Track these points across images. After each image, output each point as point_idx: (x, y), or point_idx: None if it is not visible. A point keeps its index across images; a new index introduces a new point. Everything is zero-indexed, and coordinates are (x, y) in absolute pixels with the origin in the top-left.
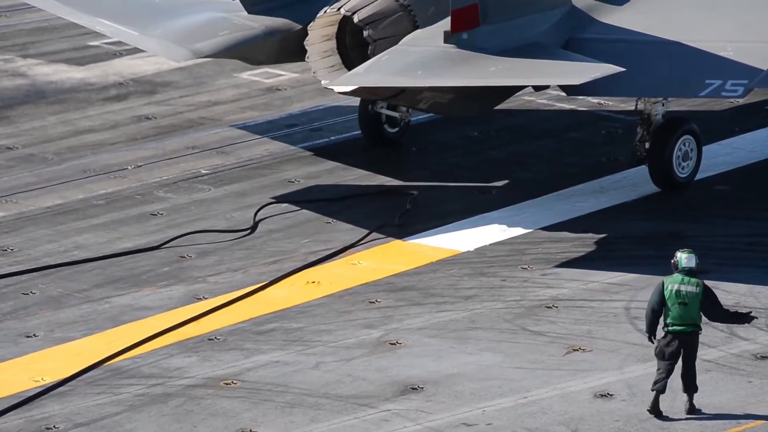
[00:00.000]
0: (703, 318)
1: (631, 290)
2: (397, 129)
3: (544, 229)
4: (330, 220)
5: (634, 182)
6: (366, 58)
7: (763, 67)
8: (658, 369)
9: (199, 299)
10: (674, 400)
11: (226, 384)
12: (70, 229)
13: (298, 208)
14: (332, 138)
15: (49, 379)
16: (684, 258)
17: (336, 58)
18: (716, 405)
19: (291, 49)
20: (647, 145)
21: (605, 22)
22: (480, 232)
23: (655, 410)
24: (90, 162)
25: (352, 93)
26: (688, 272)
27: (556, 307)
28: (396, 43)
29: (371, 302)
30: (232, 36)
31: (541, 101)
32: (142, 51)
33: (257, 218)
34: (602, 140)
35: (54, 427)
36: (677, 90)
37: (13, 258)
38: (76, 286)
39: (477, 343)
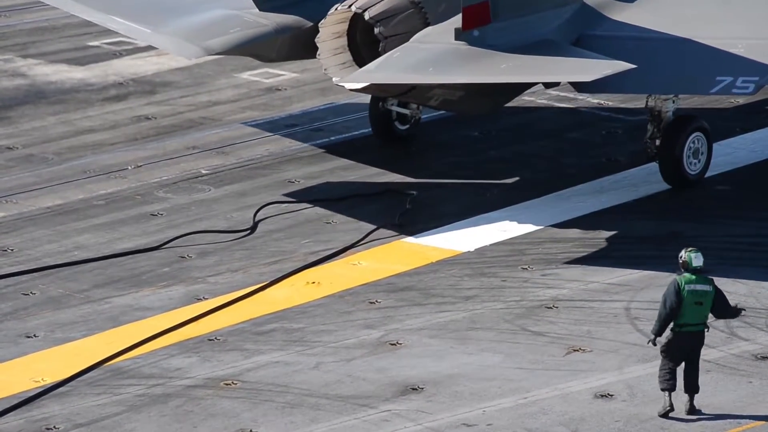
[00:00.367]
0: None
1: (631, 290)
2: (407, 126)
3: (544, 229)
4: (330, 220)
5: (634, 182)
6: (377, 55)
7: None
8: (666, 369)
9: (199, 299)
10: (674, 400)
11: (227, 384)
12: (71, 229)
13: (298, 209)
14: (333, 138)
15: (49, 380)
16: (693, 257)
17: (347, 55)
18: (716, 405)
19: (302, 47)
20: (658, 143)
21: (616, 19)
22: (480, 232)
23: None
24: (90, 162)
25: (363, 90)
26: (699, 271)
27: (556, 307)
28: (407, 40)
29: (371, 302)
30: (243, 33)
31: (541, 101)
32: (142, 51)
33: (257, 218)
34: (602, 140)
35: (54, 427)
36: (688, 87)
37: (13, 258)
38: (77, 287)
39: (477, 343)
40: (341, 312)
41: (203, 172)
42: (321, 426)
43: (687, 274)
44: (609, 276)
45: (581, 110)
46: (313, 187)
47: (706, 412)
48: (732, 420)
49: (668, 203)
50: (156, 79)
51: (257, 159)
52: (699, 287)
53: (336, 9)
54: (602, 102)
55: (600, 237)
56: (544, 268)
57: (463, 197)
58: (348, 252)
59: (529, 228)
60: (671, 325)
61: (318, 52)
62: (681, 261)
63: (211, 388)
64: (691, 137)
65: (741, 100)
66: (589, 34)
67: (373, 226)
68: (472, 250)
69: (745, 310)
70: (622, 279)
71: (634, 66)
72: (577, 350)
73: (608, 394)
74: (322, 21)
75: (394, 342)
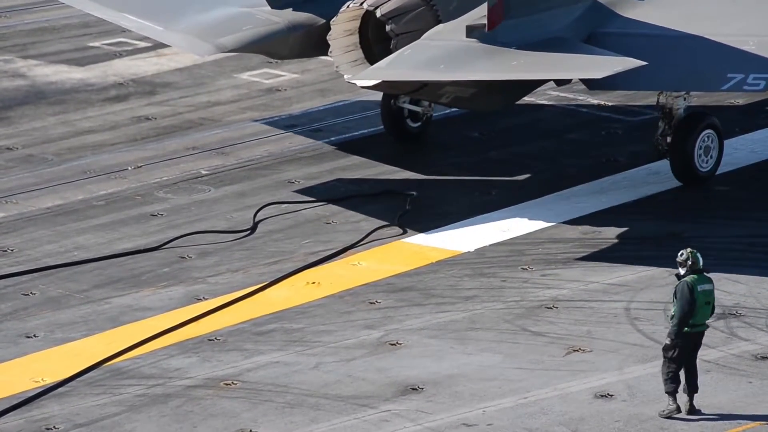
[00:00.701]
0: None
1: (631, 291)
2: (419, 123)
3: (544, 229)
4: (330, 220)
5: (634, 182)
6: (389, 52)
7: None
8: (671, 371)
9: (199, 300)
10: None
11: (226, 384)
12: (70, 229)
13: (299, 209)
14: (332, 138)
15: (49, 380)
16: (699, 257)
17: (359, 53)
18: (716, 405)
19: (314, 44)
20: (669, 140)
21: (627, 16)
22: (480, 232)
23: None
24: (90, 163)
25: (375, 87)
26: (701, 270)
27: (556, 307)
28: (418, 37)
29: (371, 303)
30: (255, 31)
31: (541, 101)
32: (142, 52)
33: (257, 219)
34: (602, 140)
35: (54, 427)
36: (699, 84)
37: (13, 258)
38: (77, 287)
39: (477, 343)
40: (341, 312)
41: (203, 172)
42: (321, 426)
43: (694, 275)
44: (609, 276)
45: (581, 110)
46: (314, 187)
47: (706, 412)
48: (732, 420)
49: (668, 203)
50: (156, 80)
51: (257, 159)
52: (707, 287)
53: (348, 6)
54: (602, 102)
55: (600, 237)
56: (544, 268)
57: (463, 198)
58: (348, 252)
59: (529, 228)
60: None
61: (329, 50)
62: (689, 262)
63: (211, 388)
64: (702, 134)
65: (741, 101)
66: (600, 32)
67: (373, 227)
68: (472, 250)
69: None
70: (622, 279)
71: (644, 63)
72: (577, 350)
73: (608, 394)
74: (334, 18)
75: (394, 342)
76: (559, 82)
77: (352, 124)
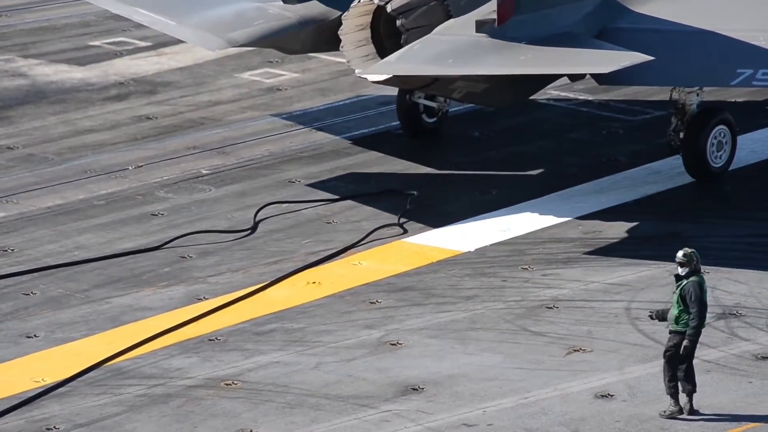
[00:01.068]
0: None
1: (632, 290)
2: (435, 119)
3: (544, 229)
4: (330, 220)
5: (634, 182)
6: (400, 47)
7: None
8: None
9: (200, 300)
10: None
11: (227, 384)
12: (71, 229)
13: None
14: (333, 138)
15: (50, 380)
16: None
17: (370, 48)
18: (716, 405)
19: (326, 39)
20: (681, 135)
21: (638, 11)
22: (480, 232)
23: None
24: (90, 162)
25: (386, 82)
26: (699, 271)
27: (557, 307)
28: (429, 32)
29: (372, 303)
30: (266, 25)
31: (541, 101)
32: (143, 51)
33: (257, 218)
34: (602, 140)
35: (54, 427)
36: (708, 79)
37: (13, 258)
38: (77, 287)
39: (477, 343)
40: (341, 312)
41: (204, 172)
42: (321, 426)
43: (696, 275)
44: (609, 276)
45: (581, 110)
46: (316, 185)
47: (706, 412)
48: (732, 420)
49: (668, 203)
50: (156, 79)
51: (257, 159)
52: (706, 287)
53: (359, 1)
54: (602, 102)
55: (600, 237)
56: (545, 268)
57: (463, 197)
58: (348, 252)
59: (529, 228)
60: (675, 326)
61: (341, 45)
62: (693, 262)
63: (212, 388)
64: (714, 130)
65: (741, 99)
66: (611, 27)
67: (374, 226)
68: (472, 250)
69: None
70: (622, 279)
71: (651, 58)
72: (578, 350)
73: (608, 394)
74: (345, 13)
75: (395, 342)
76: (573, 78)
77: (352, 123)
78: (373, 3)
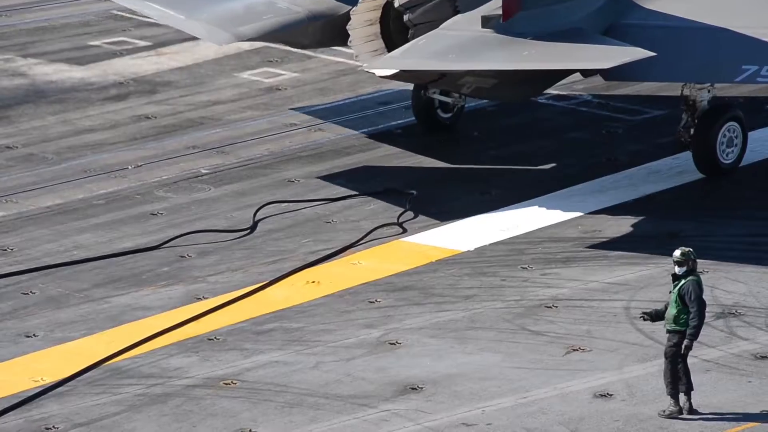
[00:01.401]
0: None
1: (631, 290)
2: (450, 114)
3: (543, 228)
4: (330, 219)
5: (634, 182)
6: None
7: None
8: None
9: (199, 299)
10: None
11: (226, 384)
12: (70, 228)
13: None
14: (333, 137)
15: (49, 379)
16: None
17: (379, 43)
18: (716, 405)
19: (335, 34)
20: (692, 131)
21: (647, 7)
22: (480, 231)
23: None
24: (90, 162)
25: (393, 77)
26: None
27: (556, 306)
28: (436, 27)
29: (371, 302)
30: (275, 20)
31: (541, 101)
32: (142, 51)
33: (257, 218)
34: (602, 140)
35: (53, 427)
36: (713, 75)
37: (13, 258)
38: (76, 286)
39: (476, 342)
40: (341, 311)
41: (203, 171)
42: (320, 426)
43: (694, 273)
44: (608, 275)
45: (581, 110)
46: (315, 186)
47: (706, 412)
48: (731, 420)
49: (668, 203)
50: (156, 79)
51: (257, 159)
52: (702, 285)
53: None
54: (602, 102)
55: (600, 237)
56: (544, 267)
57: (463, 197)
58: (348, 251)
59: (528, 227)
60: (674, 326)
61: (349, 40)
62: (690, 261)
63: (211, 388)
64: (725, 126)
65: (741, 99)
66: (620, 23)
67: (373, 226)
68: (471, 249)
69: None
70: (622, 278)
71: (653, 54)
72: (577, 350)
73: (608, 393)
74: (354, 8)
75: (394, 341)
76: (585, 73)
77: (351, 123)
78: None
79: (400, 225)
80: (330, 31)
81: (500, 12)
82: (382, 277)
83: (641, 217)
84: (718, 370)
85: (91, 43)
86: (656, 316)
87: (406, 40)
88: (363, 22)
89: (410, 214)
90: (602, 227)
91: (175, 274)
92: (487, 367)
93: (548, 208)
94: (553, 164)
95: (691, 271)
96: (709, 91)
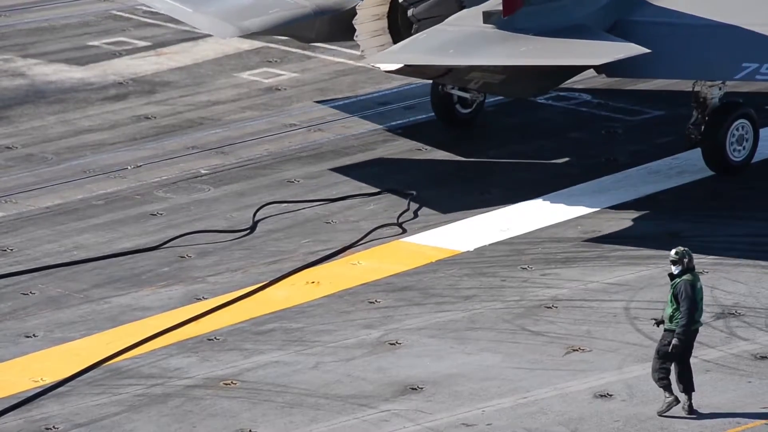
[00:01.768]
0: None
1: (631, 290)
2: (469, 110)
3: (543, 228)
4: (330, 220)
5: (634, 182)
6: None
7: None
8: (664, 368)
9: (199, 299)
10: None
11: (226, 384)
12: (70, 229)
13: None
14: (332, 138)
15: (49, 380)
16: (691, 255)
17: (386, 38)
18: (716, 405)
19: (342, 29)
20: (702, 128)
21: (655, 4)
22: (479, 232)
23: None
24: (89, 162)
25: (398, 71)
26: (693, 269)
27: (556, 307)
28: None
29: (371, 302)
30: (281, 14)
31: (541, 101)
32: (142, 51)
33: (256, 218)
34: (602, 140)
35: (53, 427)
36: (713, 73)
37: (12, 258)
38: (76, 286)
39: (476, 343)
40: (341, 312)
41: (203, 171)
42: (320, 426)
43: (689, 273)
44: (608, 276)
45: (581, 110)
46: (314, 186)
47: (706, 412)
48: (732, 420)
49: (668, 203)
50: (155, 79)
51: (257, 159)
52: (700, 284)
53: None
54: (602, 102)
55: (600, 237)
56: (544, 267)
57: (462, 197)
58: (347, 252)
59: (528, 227)
60: (669, 325)
61: (355, 34)
62: (685, 260)
63: (211, 388)
64: (735, 124)
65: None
66: (625, 20)
67: (373, 226)
68: (471, 249)
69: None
70: (622, 279)
71: (647, 50)
72: (577, 350)
73: (607, 393)
74: (361, 2)
75: (394, 342)
76: (598, 70)
77: (351, 123)
78: None
79: (399, 225)
80: (337, 25)
81: (501, 7)
82: (382, 278)
83: (641, 217)
84: (718, 370)
85: (91, 43)
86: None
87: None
88: (370, 16)
89: (410, 214)
90: (602, 227)
91: (175, 274)
92: (487, 367)
93: (548, 208)
94: (553, 164)
95: (688, 270)
96: (720, 89)
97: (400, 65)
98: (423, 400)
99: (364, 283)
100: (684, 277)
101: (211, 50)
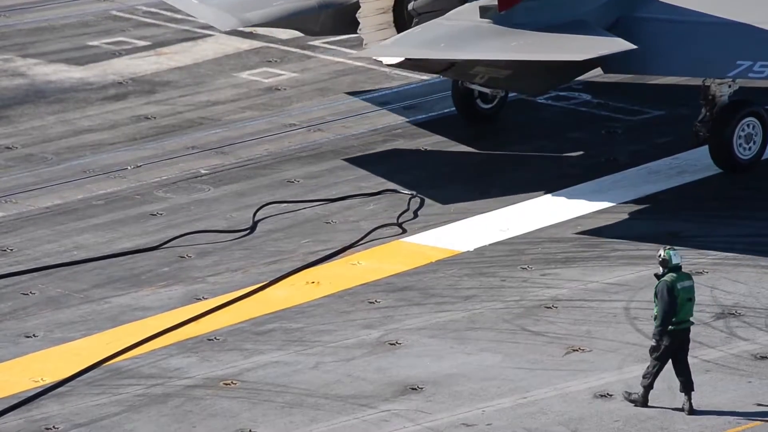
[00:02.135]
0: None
1: (631, 290)
2: (490, 105)
3: (543, 228)
4: (329, 220)
5: (634, 182)
6: None
7: None
8: (656, 369)
9: (199, 299)
10: (674, 400)
11: (226, 384)
12: (70, 229)
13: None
14: (332, 137)
15: (49, 380)
16: (672, 255)
17: (391, 32)
18: (716, 405)
19: (347, 22)
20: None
21: (659, 0)
22: (479, 232)
23: (646, 403)
24: (89, 162)
25: (400, 65)
26: (680, 268)
27: (556, 307)
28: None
29: (371, 302)
30: (285, 6)
31: (541, 101)
32: (142, 51)
33: (256, 218)
34: (602, 140)
35: (53, 427)
36: (707, 70)
37: (12, 258)
38: (76, 286)
39: (476, 343)
40: (341, 312)
41: (202, 171)
42: (320, 426)
43: (672, 273)
44: (608, 276)
45: (581, 110)
46: (314, 186)
47: (706, 412)
48: (732, 420)
49: (668, 203)
50: (155, 79)
51: (256, 159)
52: (687, 284)
53: None
54: (602, 101)
55: (600, 237)
56: (544, 267)
57: (462, 197)
58: (347, 252)
59: (528, 227)
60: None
61: (359, 28)
62: (662, 259)
63: (211, 388)
64: (742, 122)
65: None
66: (628, 16)
67: (373, 226)
68: (471, 249)
69: None
70: (622, 279)
71: (634, 46)
72: (577, 350)
73: (607, 393)
74: None
75: (394, 342)
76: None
77: (351, 123)
78: None
79: (399, 225)
80: (341, 18)
81: (496, 2)
82: (382, 278)
83: (641, 217)
84: (718, 370)
85: (90, 43)
86: None
87: None
88: (374, 10)
89: (410, 214)
90: (602, 228)
91: (175, 274)
92: (487, 367)
93: (548, 208)
94: (553, 164)
95: (672, 270)
96: (729, 86)
97: (401, 59)
98: (423, 400)
99: (364, 283)
100: (665, 277)
101: (211, 50)
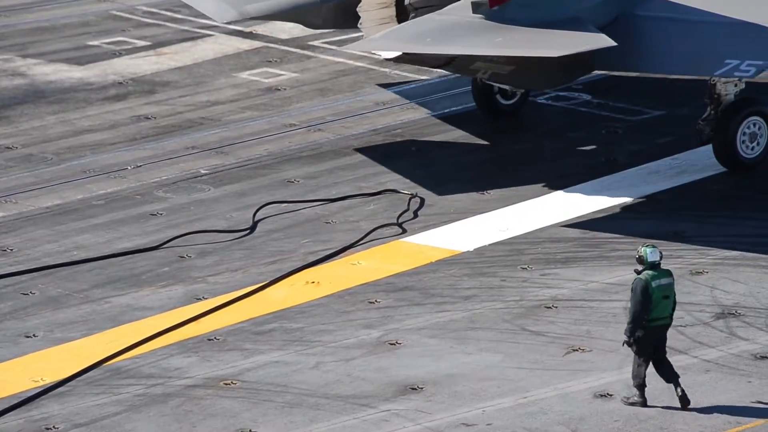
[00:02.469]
0: None
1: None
2: (510, 101)
3: (543, 228)
4: (329, 220)
5: (634, 182)
6: None
7: None
8: (643, 367)
9: (199, 299)
10: (673, 400)
11: (226, 384)
12: (70, 229)
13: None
14: (332, 137)
15: (49, 380)
16: (649, 252)
17: (392, 27)
18: (716, 405)
19: (349, 15)
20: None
21: None
22: (479, 232)
23: (645, 403)
24: (89, 162)
25: (397, 59)
26: (658, 265)
27: (556, 307)
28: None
29: (371, 302)
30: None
31: (540, 101)
32: (142, 51)
33: (256, 218)
34: (602, 140)
35: (54, 427)
36: (693, 68)
37: (12, 258)
38: (76, 286)
39: (476, 343)
40: (341, 312)
41: (202, 171)
42: (320, 426)
43: (649, 271)
44: (608, 276)
45: (581, 110)
46: (314, 186)
47: (706, 412)
48: (731, 419)
49: (668, 203)
50: (155, 79)
51: (256, 159)
52: (664, 281)
53: None
54: (602, 102)
55: (600, 237)
56: (544, 267)
57: (462, 197)
58: (347, 252)
59: (528, 227)
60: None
61: (359, 22)
62: (639, 256)
63: (211, 388)
64: (746, 121)
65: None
66: (627, 13)
67: (373, 226)
68: (471, 249)
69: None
70: (621, 279)
71: (613, 43)
72: (577, 350)
73: (607, 393)
74: None
75: (394, 342)
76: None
77: (350, 122)
78: None
79: (399, 225)
80: (344, 12)
81: None
82: (382, 278)
83: (641, 217)
84: (718, 370)
85: (91, 43)
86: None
87: None
88: (375, 4)
89: (410, 214)
90: (602, 227)
91: (175, 274)
92: (487, 367)
93: (548, 208)
94: (553, 164)
95: (651, 267)
96: (736, 85)
97: (399, 53)
98: (423, 400)
99: (364, 283)
100: (641, 275)
101: (211, 50)
